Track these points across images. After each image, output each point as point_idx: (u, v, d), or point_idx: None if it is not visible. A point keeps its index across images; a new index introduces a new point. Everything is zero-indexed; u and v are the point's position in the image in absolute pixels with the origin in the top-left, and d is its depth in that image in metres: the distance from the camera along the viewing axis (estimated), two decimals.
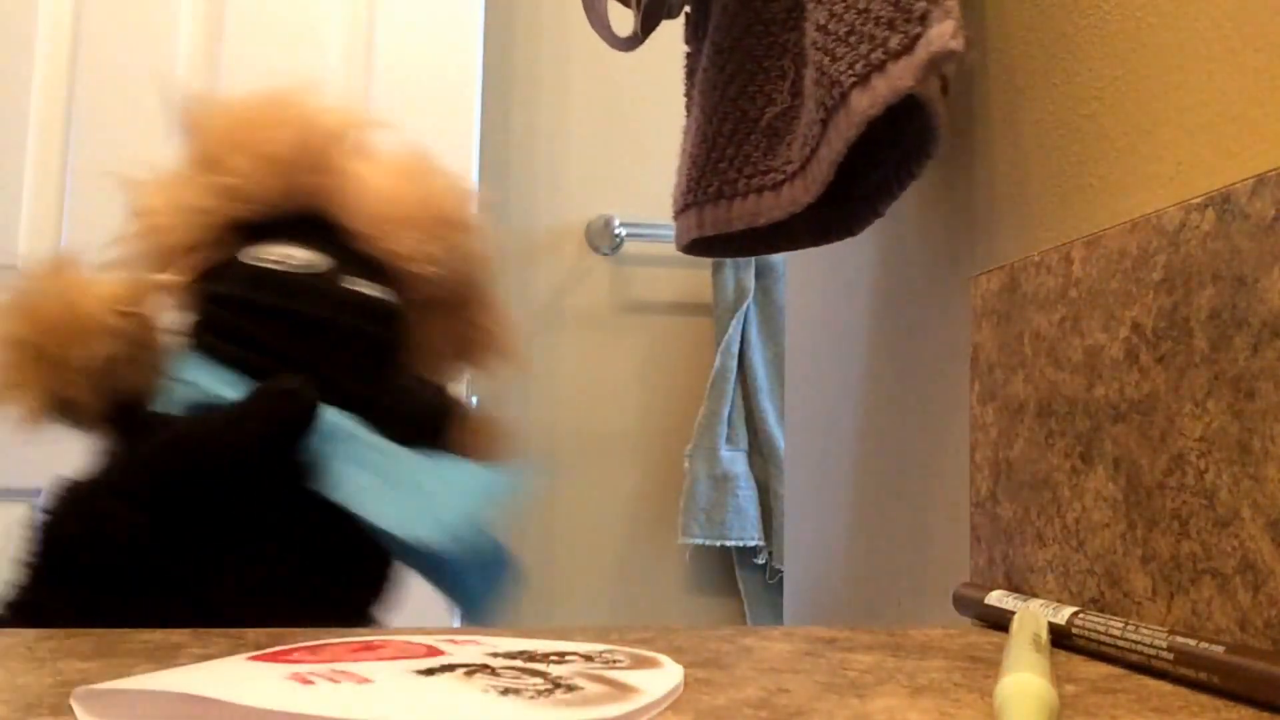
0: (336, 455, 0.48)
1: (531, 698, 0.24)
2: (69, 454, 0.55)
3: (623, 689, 0.25)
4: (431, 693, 0.24)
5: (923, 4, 0.43)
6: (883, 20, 0.45)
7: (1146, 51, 0.39)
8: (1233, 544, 0.31)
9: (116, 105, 1.35)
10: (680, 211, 0.64)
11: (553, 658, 0.29)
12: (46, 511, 0.47)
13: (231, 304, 0.52)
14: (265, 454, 0.47)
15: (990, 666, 0.32)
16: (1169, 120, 0.38)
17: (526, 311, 1.58)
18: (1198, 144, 0.36)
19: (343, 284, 0.53)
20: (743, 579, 1.55)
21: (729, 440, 1.52)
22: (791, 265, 0.86)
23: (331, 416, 0.49)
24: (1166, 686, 0.30)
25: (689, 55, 0.69)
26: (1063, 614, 0.36)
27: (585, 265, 1.59)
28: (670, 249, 1.57)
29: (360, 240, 0.55)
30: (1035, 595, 0.42)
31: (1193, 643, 0.30)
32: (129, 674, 0.29)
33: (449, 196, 0.57)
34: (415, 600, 1.43)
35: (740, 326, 1.54)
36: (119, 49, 1.35)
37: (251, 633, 0.36)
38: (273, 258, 0.52)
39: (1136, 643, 0.32)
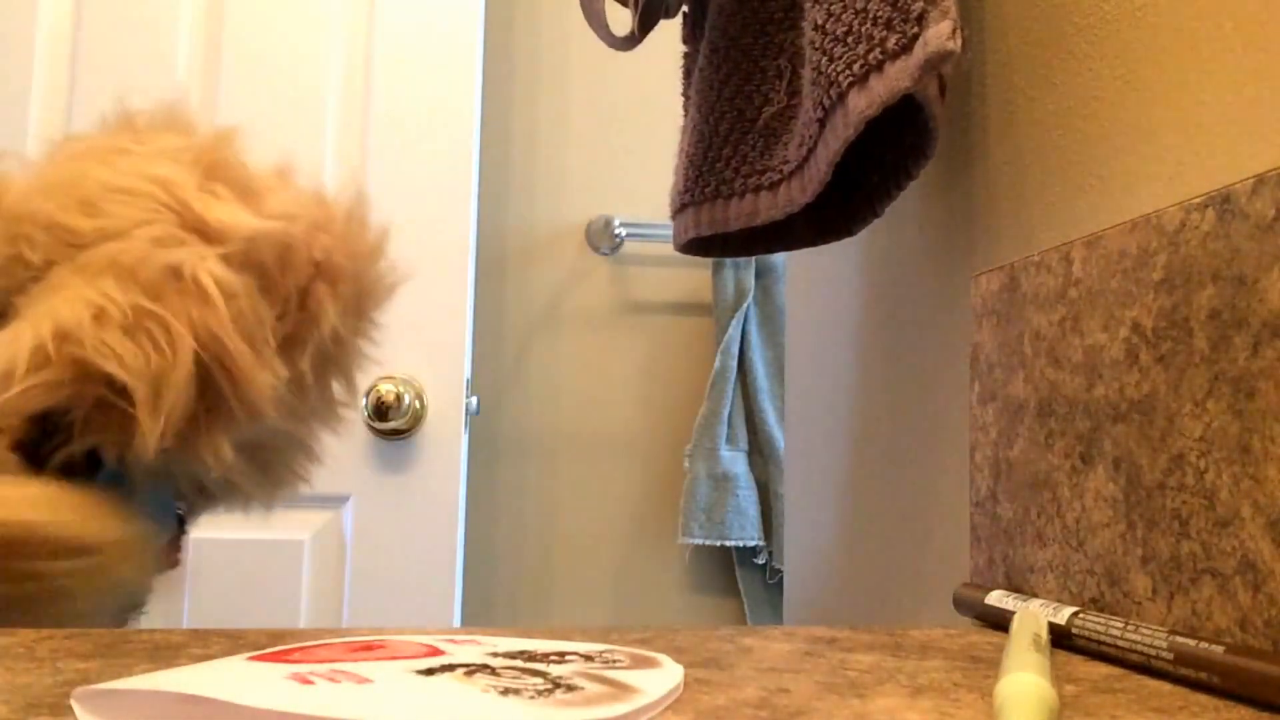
0: None
1: (531, 698, 0.24)
2: None
3: (623, 689, 0.25)
4: (431, 693, 0.24)
5: (920, 4, 0.43)
6: (880, 21, 0.45)
7: (1146, 51, 0.39)
8: (1233, 544, 0.31)
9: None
10: (677, 211, 0.65)
11: (553, 658, 0.29)
12: None
13: None
14: None
15: (990, 666, 0.32)
16: (1169, 120, 0.38)
17: (526, 311, 1.58)
18: (1198, 144, 0.36)
19: None
20: (743, 579, 1.55)
21: (729, 440, 1.52)
22: (791, 265, 0.86)
23: None
24: (1166, 686, 0.30)
25: (686, 55, 0.69)
26: (1063, 614, 0.36)
27: (585, 265, 1.59)
28: (670, 249, 1.57)
29: None
30: (1035, 595, 0.42)
31: (1193, 643, 0.30)
32: (129, 674, 0.29)
33: None
34: (415, 600, 1.43)
35: (740, 326, 1.54)
36: (119, 49, 1.35)
37: (251, 632, 0.36)
38: None
39: (1136, 643, 0.32)
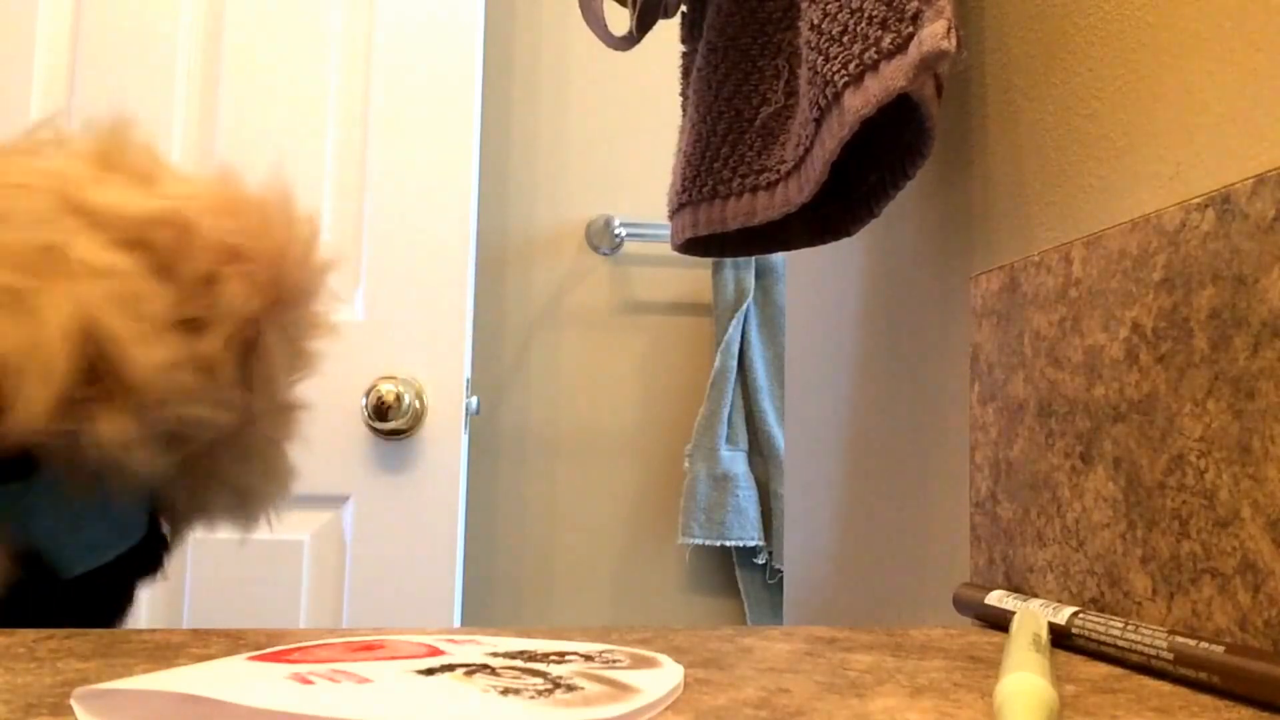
0: None
1: (531, 698, 0.24)
2: None
3: (623, 689, 0.25)
4: (431, 693, 0.24)
5: (915, 4, 0.43)
6: (876, 20, 0.45)
7: (1146, 51, 0.39)
8: (1233, 544, 0.31)
9: (116, 106, 1.35)
10: (675, 211, 0.64)
11: (553, 658, 0.29)
12: None
13: None
14: None
15: (990, 666, 0.32)
16: (1169, 120, 0.38)
17: (526, 311, 1.58)
18: (1198, 144, 0.36)
19: None
20: (743, 579, 1.55)
21: (729, 440, 1.52)
22: (791, 265, 0.86)
23: None
24: (1166, 686, 0.30)
25: (685, 54, 0.69)
26: (1063, 614, 0.36)
27: (585, 265, 1.59)
28: (670, 249, 1.57)
29: None
30: (1035, 595, 0.42)
31: (1193, 643, 0.30)
32: (129, 674, 0.29)
33: None
34: (415, 600, 1.43)
35: (740, 326, 1.54)
36: (119, 49, 1.35)
37: (251, 632, 0.36)
38: None
39: (1136, 643, 0.32)
